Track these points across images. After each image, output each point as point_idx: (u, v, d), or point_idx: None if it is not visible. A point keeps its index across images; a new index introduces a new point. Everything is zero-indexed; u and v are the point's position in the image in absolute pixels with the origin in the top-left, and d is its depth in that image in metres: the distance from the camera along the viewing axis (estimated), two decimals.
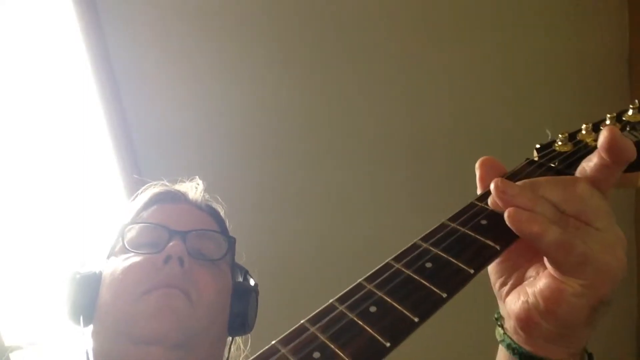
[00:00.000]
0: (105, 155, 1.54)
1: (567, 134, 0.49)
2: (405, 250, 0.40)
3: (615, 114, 0.50)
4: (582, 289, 0.39)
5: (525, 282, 0.43)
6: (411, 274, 0.37)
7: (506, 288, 0.45)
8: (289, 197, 1.70)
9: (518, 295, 0.42)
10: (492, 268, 0.46)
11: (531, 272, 0.43)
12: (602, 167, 0.40)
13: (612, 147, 0.38)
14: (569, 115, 1.87)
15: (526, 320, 0.41)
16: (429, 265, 0.38)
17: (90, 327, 0.67)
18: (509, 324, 0.44)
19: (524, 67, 1.81)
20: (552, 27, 1.81)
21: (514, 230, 0.39)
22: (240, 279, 0.77)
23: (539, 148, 0.50)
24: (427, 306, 0.35)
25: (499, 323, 0.46)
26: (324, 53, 1.68)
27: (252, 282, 0.77)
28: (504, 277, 0.45)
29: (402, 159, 1.78)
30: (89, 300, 0.66)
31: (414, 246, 0.40)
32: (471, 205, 0.43)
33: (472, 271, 0.37)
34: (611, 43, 1.89)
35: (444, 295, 0.36)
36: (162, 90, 1.59)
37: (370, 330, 0.34)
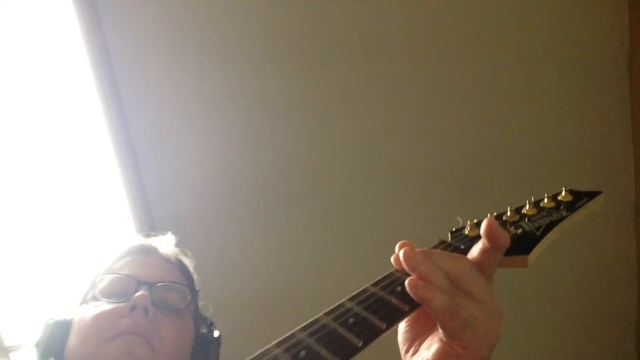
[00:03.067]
0: (105, 155, 1.54)
1: (475, 221, 0.58)
2: (335, 307, 0.47)
3: (514, 208, 0.60)
4: (464, 352, 0.45)
5: (422, 348, 0.50)
6: (336, 326, 0.45)
7: (409, 355, 0.52)
8: (291, 202, 1.70)
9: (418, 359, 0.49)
10: (400, 337, 0.53)
11: (430, 340, 0.50)
12: (484, 251, 0.48)
13: (488, 234, 0.47)
14: (569, 115, 1.87)
15: None
16: (351, 320, 0.45)
17: None
18: None
19: (523, 66, 1.81)
20: (552, 26, 1.81)
21: (411, 295, 0.46)
22: (205, 330, 0.82)
23: (452, 232, 0.59)
24: (345, 353, 0.42)
25: None
26: (327, 64, 1.68)
27: (215, 334, 0.82)
28: (407, 345, 0.52)
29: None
30: (58, 345, 0.71)
31: (341, 305, 0.47)
32: (391, 274, 0.51)
33: (384, 326, 0.44)
34: (611, 41, 1.89)
35: (359, 344, 0.42)
36: (162, 90, 1.59)
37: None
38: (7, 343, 1.50)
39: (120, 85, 1.52)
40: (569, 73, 1.85)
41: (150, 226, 1.54)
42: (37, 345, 0.74)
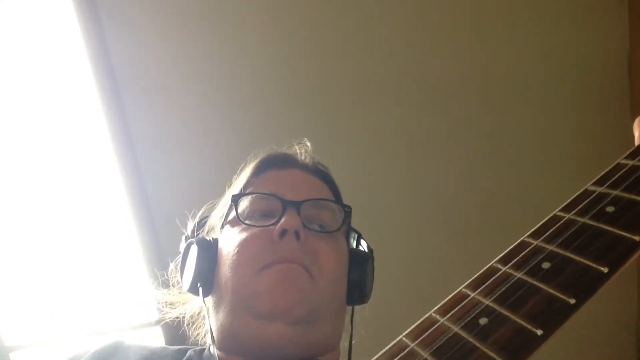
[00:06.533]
0: (105, 155, 1.54)
1: None
2: (575, 198, 0.38)
3: None
4: None
5: None
6: (589, 222, 0.34)
7: None
8: None
9: None
10: None
11: None
12: None
13: None
14: (570, 113, 1.87)
15: None
16: (610, 209, 0.35)
17: (210, 299, 0.65)
18: None
19: (522, 67, 1.82)
20: (552, 27, 1.81)
21: None
22: (354, 245, 0.73)
23: None
24: (616, 255, 0.32)
25: None
26: (328, 68, 1.67)
27: (366, 247, 0.73)
28: None
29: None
30: (207, 269, 0.64)
31: (586, 192, 0.38)
32: (615, 170, 0.40)
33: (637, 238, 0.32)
34: (611, 43, 1.89)
35: (637, 238, 0.32)
36: (162, 90, 1.58)
37: (547, 288, 0.31)
38: (7, 343, 1.50)
39: (120, 85, 1.51)
40: (569, 73, 1.85)
41: (151, 226, 1.54)
42: (181, 266, 0.67)
